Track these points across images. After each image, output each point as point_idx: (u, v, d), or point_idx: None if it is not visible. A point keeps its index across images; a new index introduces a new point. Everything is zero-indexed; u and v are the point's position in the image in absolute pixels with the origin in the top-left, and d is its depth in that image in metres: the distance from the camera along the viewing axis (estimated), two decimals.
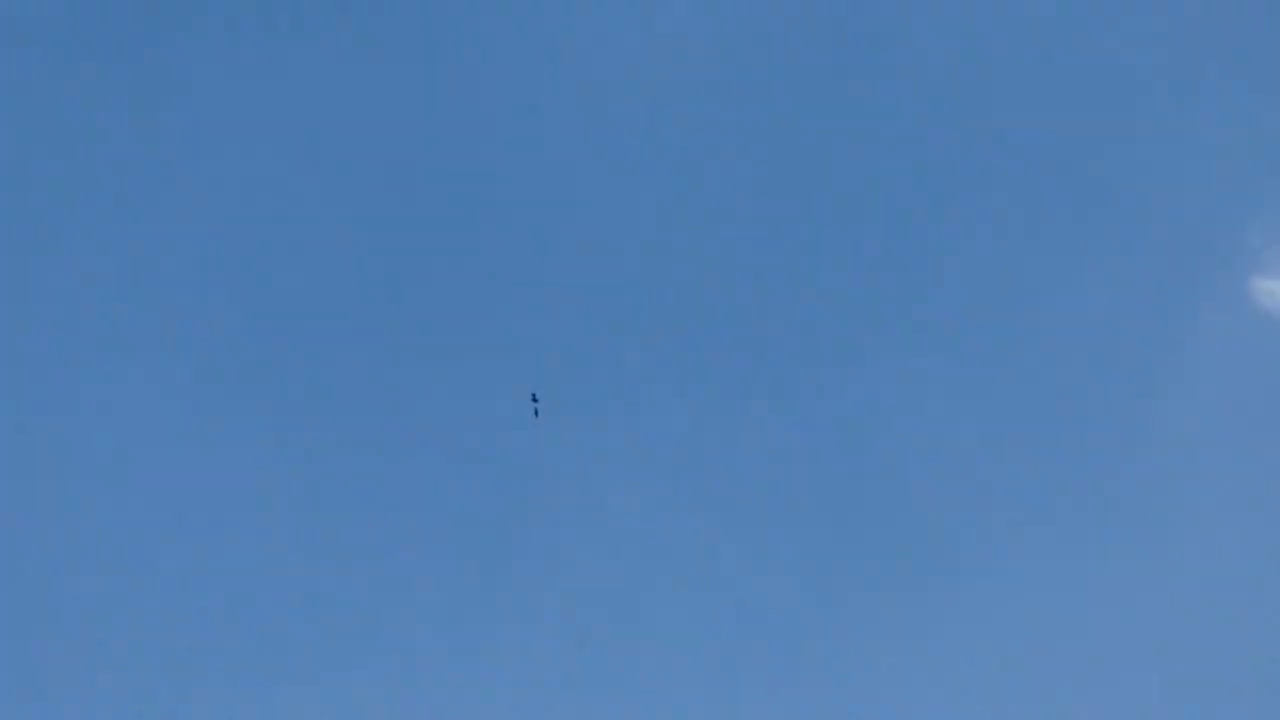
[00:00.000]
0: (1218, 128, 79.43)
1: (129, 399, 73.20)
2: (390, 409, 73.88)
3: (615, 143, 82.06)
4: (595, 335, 76.94)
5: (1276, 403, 73.59)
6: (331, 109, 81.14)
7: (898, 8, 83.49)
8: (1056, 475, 72.82)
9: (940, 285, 78.56)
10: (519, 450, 70.33)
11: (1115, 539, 71.09)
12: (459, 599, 69.04)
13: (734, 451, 74.20)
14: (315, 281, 77.33)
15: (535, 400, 60.63)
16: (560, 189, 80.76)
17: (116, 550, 69.46)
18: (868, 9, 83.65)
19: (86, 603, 67.46)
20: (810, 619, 70.39)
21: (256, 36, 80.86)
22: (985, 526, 72.21)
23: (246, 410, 73.37)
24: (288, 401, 74.01)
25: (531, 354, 74.14)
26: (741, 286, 79.27)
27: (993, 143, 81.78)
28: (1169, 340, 75.93)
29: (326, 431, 73.25)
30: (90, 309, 75.53)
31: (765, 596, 70.73)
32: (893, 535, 72.31)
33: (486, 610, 69.01)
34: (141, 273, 77.11)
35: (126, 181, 78.60)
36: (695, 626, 69.71)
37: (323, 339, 76.30)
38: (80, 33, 79.72)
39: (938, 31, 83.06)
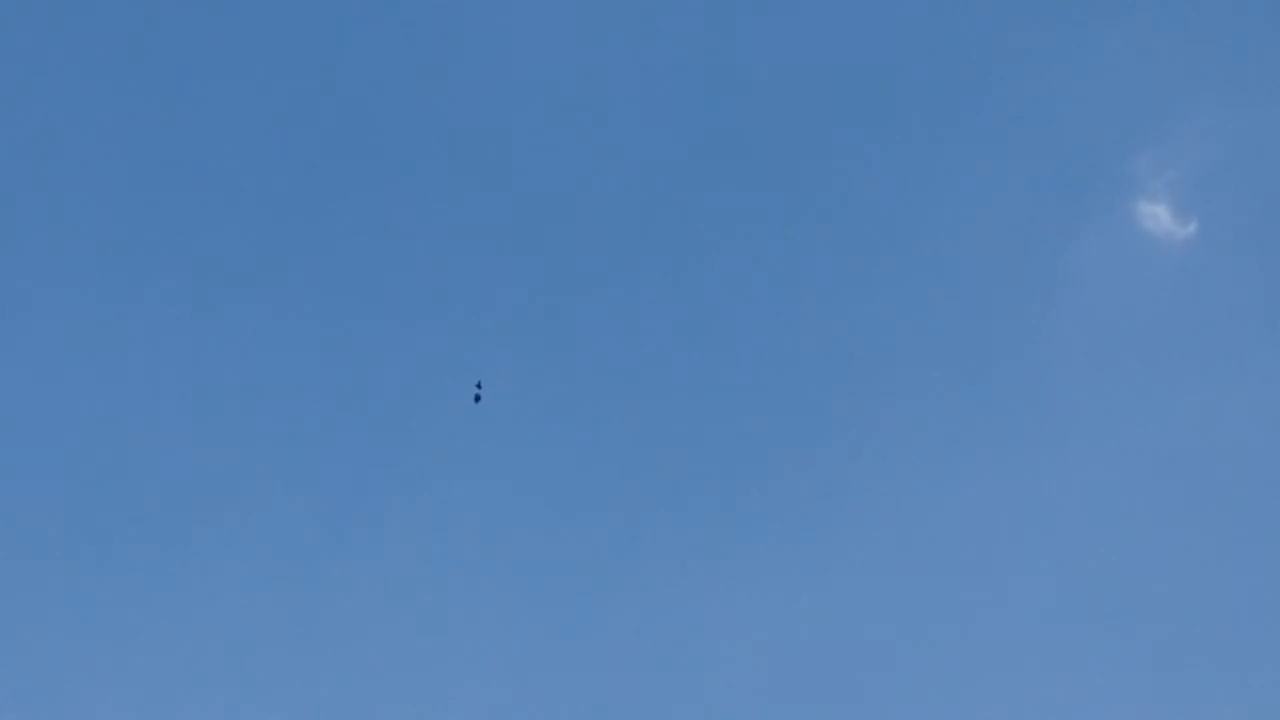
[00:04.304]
0: (1105, 54, 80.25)
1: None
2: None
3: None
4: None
5: (1156, 323, 75.38)
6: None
7: None
8: (940, 395, 73.87)
9: (825, 205, 79.35)
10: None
11: (999, 457, 72.50)
12: None
13: None
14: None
15: (479, 388, 64.86)
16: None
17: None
18: None
19: None
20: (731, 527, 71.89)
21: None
22: (864, 441, 73.07)
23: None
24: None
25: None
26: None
27: (881, 67, 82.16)
28: (1053, 263, 77.05)
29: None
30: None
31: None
32: (769, 453, 73.04)
33: None
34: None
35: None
36: None
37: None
38: None
39: None
